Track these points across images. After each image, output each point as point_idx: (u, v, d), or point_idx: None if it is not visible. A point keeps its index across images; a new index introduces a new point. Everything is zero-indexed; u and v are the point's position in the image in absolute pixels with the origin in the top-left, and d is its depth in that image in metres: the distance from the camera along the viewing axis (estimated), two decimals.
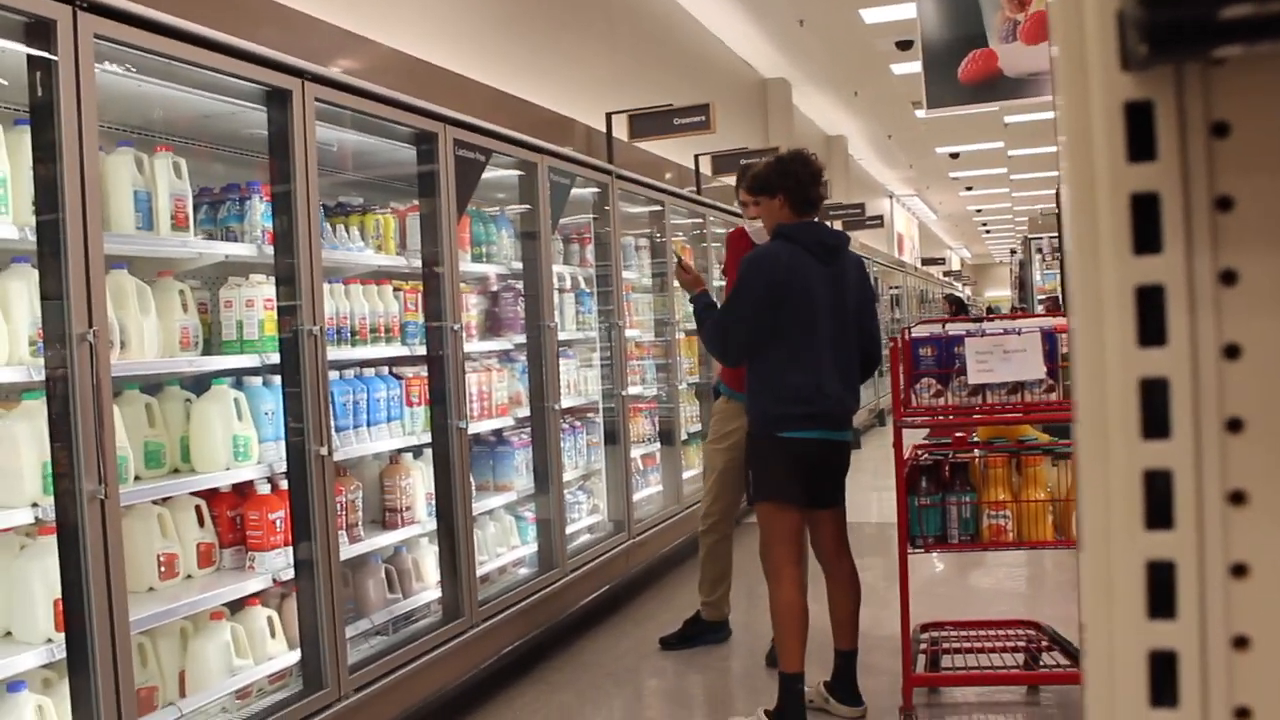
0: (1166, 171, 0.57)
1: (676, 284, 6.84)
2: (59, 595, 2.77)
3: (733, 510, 5.21)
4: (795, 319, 3.89)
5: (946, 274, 33.77)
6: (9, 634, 2.85)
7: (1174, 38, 0.49)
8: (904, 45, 12.36)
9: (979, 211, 32.74)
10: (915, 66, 7.19)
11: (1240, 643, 0.59)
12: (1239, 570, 0.59)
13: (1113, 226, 0.57)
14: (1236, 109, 0.57)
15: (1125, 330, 0.58)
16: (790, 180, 4.07)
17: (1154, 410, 0.58)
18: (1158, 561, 0.59)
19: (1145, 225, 0.57)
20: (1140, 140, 0.57)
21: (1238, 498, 0.59)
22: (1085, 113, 0.57)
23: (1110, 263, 0.58)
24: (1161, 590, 0.59)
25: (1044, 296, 15.88)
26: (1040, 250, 16.35)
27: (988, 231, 38.98)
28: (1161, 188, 0.57)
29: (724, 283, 5.48)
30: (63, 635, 2.77)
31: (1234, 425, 0.58)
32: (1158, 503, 0.59)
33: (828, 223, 6.00)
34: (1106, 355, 0.58)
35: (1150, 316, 0.58)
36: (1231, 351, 0.58)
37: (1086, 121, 0.57)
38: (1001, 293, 40.92)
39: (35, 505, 2.77)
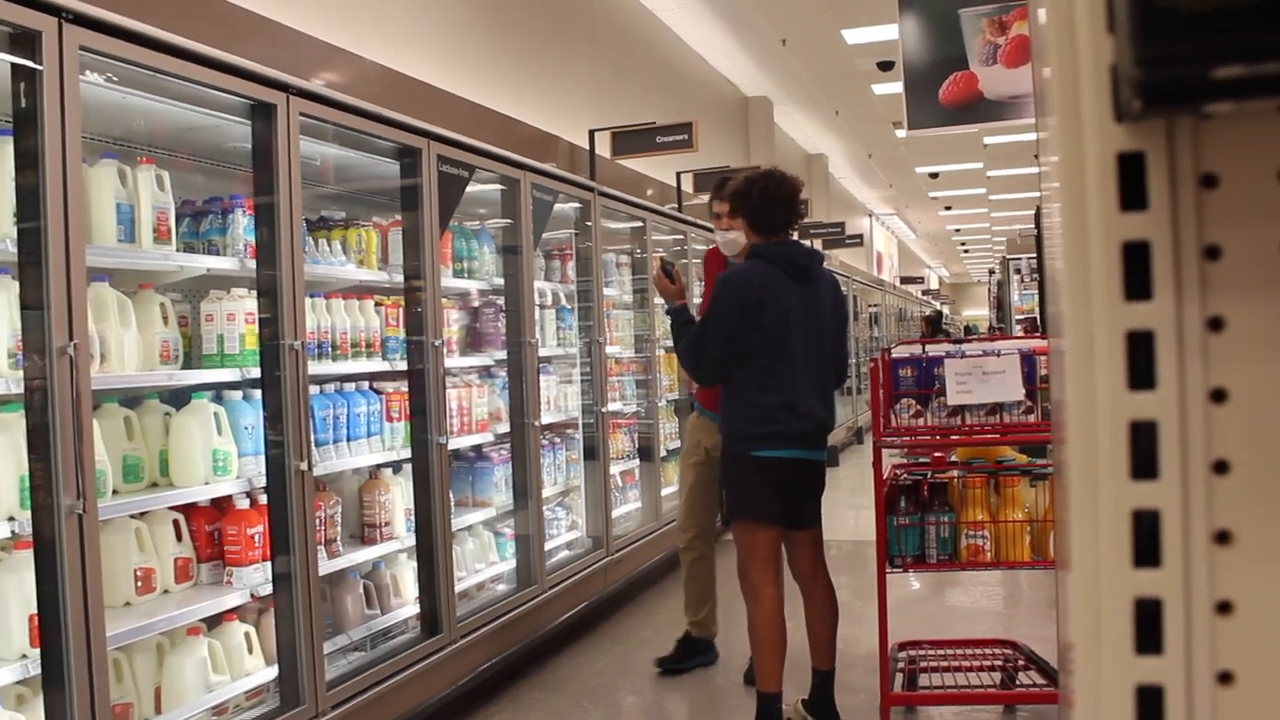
0: (1157, 221, 0.59)
1: (658, 297, 6.87)
2: (34, 610, 2.74)
3: (709, 527, 5.19)
4: (770, 338, 3.91)
5: (925, 293, 33.96)
6: None
7: (1167, 94, 0.51)
8: (885, 66, 12.45)
9: (958, 231, 32.95)
10: (896, 87, 7.24)
11: (1225, 678, 0.61)
12: (1224, 607, 0.60)
13: (1105, 273, 0.59)
14: (1225, 161, 0.58)
15: (1116, 374, 0.60)
16: (747, 204, 4.09)
17: (1143, 451, 0.60)
18: (1145, 598, 0.61)
19: (1136, 272, 0.59)
20: (1132, 190, 0.59)
21: (1223, 537, 0.60)
22: (1079, 162, 0.59)
23: (1102, 308, 0.59)
24: (1149, 626, 0.61)
25: (1022, 317, 16.01)
26: (1019, 271, 16.48)
27: (966, 251, 39.23)
28: (1152, 236, 0.59)
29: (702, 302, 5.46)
30: (38, 651, 2.75)
31: (1220, 467, 0.60)
32: (1146, 541, 0.60)
33: (806, 241, 6.03)
34: (1097, 397, 0.60)
35: (1140, 361, 0.59)
36: (1218, 396, 0.59)
37: (1080, 170, 0.59)
38: (979, 312, 41.19)
39: (12, 519, 2.75)
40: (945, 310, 33.30)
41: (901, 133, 8.33)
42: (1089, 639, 0.62)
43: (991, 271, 23.33)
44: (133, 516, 3.31)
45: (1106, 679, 0.61)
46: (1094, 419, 0.60)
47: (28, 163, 2.72)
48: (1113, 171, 0.58)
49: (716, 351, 3.97)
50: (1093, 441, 0.60)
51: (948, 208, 27.02)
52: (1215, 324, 0.59)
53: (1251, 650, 0.60)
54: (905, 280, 29.64)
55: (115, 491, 3.21)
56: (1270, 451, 0.59)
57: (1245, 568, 0.60)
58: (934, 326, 20.96)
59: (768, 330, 3.90)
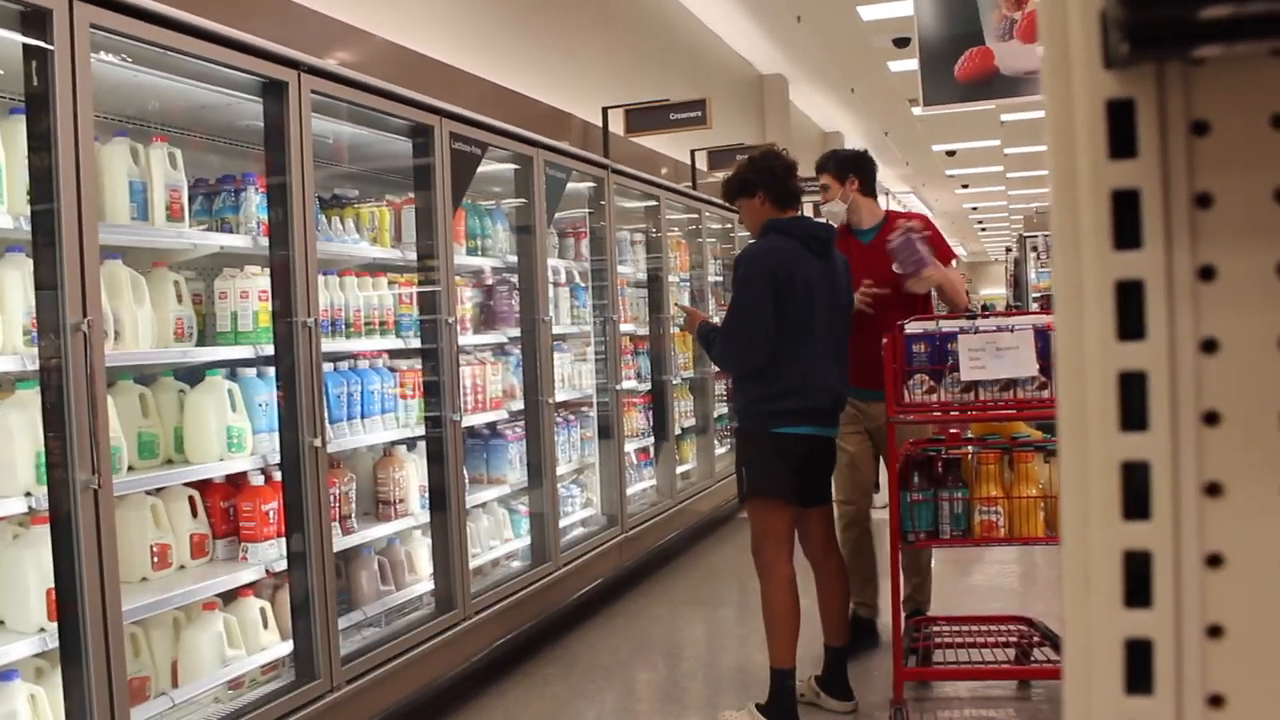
0: (1147, 168, 0.58)
1: (671, 274, 6.92)
2: (52, 585, 2.77)
3: (863, 504, 4.87)
4: (794, 313, 3.89)
5: None
6: (1, 623, 2.86)
7: (1154, 37, 0.50)
8: (901, 42, 12.36)
9: (975, 209, 32.76)
10: (912, 64, 7.19)
11: (1214, 631, 0.60)
12: (1214, 560, 0.60)
13: (1094, 222, 0.59)
14: (1217, 108, 0.58)
15: (1105, 324, 0.59)
16: (767, 175, 4.07)
17: (1132, 403, 0.59)
18: (1135, 551, 0.60)
19: (1126, 221, 0.58)
20: (1122, 137, 0.58)
21: (1214, 489, 0.60)
22: (1068, 110, 0.58)
23: (1091, 257, 0.59)
24: (1138, 579, 0.61)
25: (1039, 294, 15.93)
26: (1035, 248, 16.40)
27: (983, 229, 39.01)
28: (1142, 184, 0.58)
29: None
30: (55, 625, 2.77)
31: (1211, 418, 0.59)
32: (1135, 494, 0.60)
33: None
34: (1086, 348, 0.59)
35: (1130, 311, 0.59)
36: (1209, 346, 0.59)
37: (1070, 119, 0.58)
38: (997, 291, 40.98)
39: (28, 494, 2.78)
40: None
41: (918, 110, 8.28)
42: (1078, 592, 0.61)
43: (1008, 249, 23.19)
44: (148, 493, 3.34)
45: (1096, 632, 0.61)
46: (1083, 370, 0.59)
47: (41, 141, 2.73)
48: (1102, 119, 0.58)
49: (763, 328, 3.88)
50: (1082, 393, 0.60)
51: (964, 186, 26.86)
52: (1206, 273, 0.58)
53: (1241, 603, 0.60)
54: None
55: (131, 468, 3.23)
56: (1261, 402, 0.59)
57: (1235, 520, 0.59)
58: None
59: (792, 306, 3.88)
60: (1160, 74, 0.58)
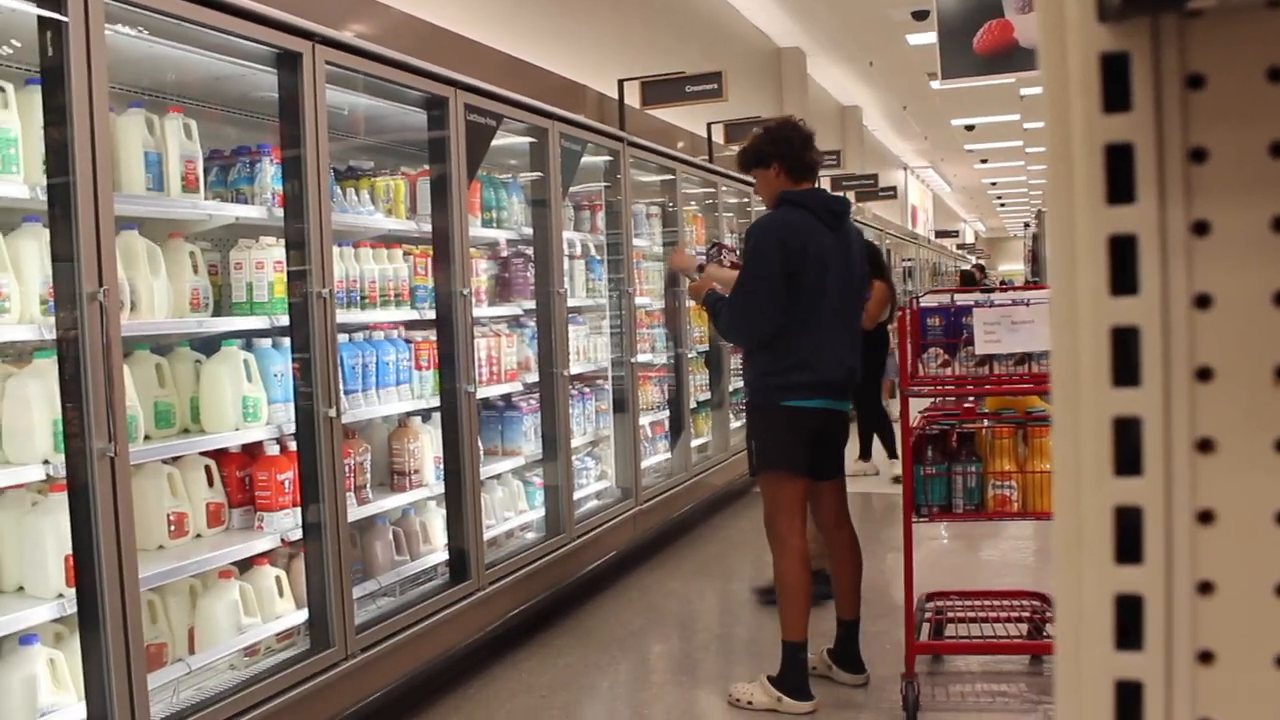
0: (1141, 122, 0.58)
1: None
2: (70, 551, 2.80)
3: None
4: (805, 286, 3.88)
5: (960, 247, 33.62)
6: (21, 589, 2.89)
7: None
8: (920, 15, 12.25)
9: (994, 185, 32.55)
10: (931, 37, 7.13)
11: (1205, 588, 0.61)
12: (1205, 517, 0.60)
13: (1087, 176, 0.58)
14: (1212, 61, 0.57)
15: (1098, 279, 0.59)
16: (783, 146, 4.05)
17: (1125, 358, 0.59)
18: (1126, 507, 0.60)
19: (1119, 175, 0.58)
20: (1115, 91, 0.58)
21: (1205, 445, 0.60)
22: (1062, 64, 0.58)
23: (1084, 212, 0.58)
24: (1129, 535, 0.60)
25: None
26: None
27: (1002, 205, 38.78)
28: (1136, 138, 0.58)
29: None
30: (74, 590, 2.81)
31: (1203, 374, 0.59)
32: (1127, 449, 0.60)
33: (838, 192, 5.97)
34: (1079, 303, 0.59)
35: (1123, 266, 0.59)
36: (1202, 301, 0.59)
37: (1063, 72, 0.58)
38: (1015, 266, 40.76)
39: (46, 462, 2.81)
40: (984, 264, 32.85)
41: (936, 84, 8.22)
42: (1069, 548, 0.61)
43: (1027, 225, 23.05)
44: (165, 462, 3.37)
45: (1086, 588, 0.61)
46: (1075, 325, 0.59)
47: (56, 113, 2.74)
48: (1095, 73, 0.57)
49: (771, 300, 3.86)
50: (1074, 348, 0.59)
51: (984, 161, 26.69)
52: (1200, 228, 0.58)
53: (1232, 560, 0.60)
54: (940, 234, 29.36)
55: (147, 437, 3.26)
56: (1254, 358, 0.58)
57: (1227, 476, 0.59)
58: (967, 280, 20.62)
59: (804, 278, 3.87)
60: (1155, 27, 0.57)
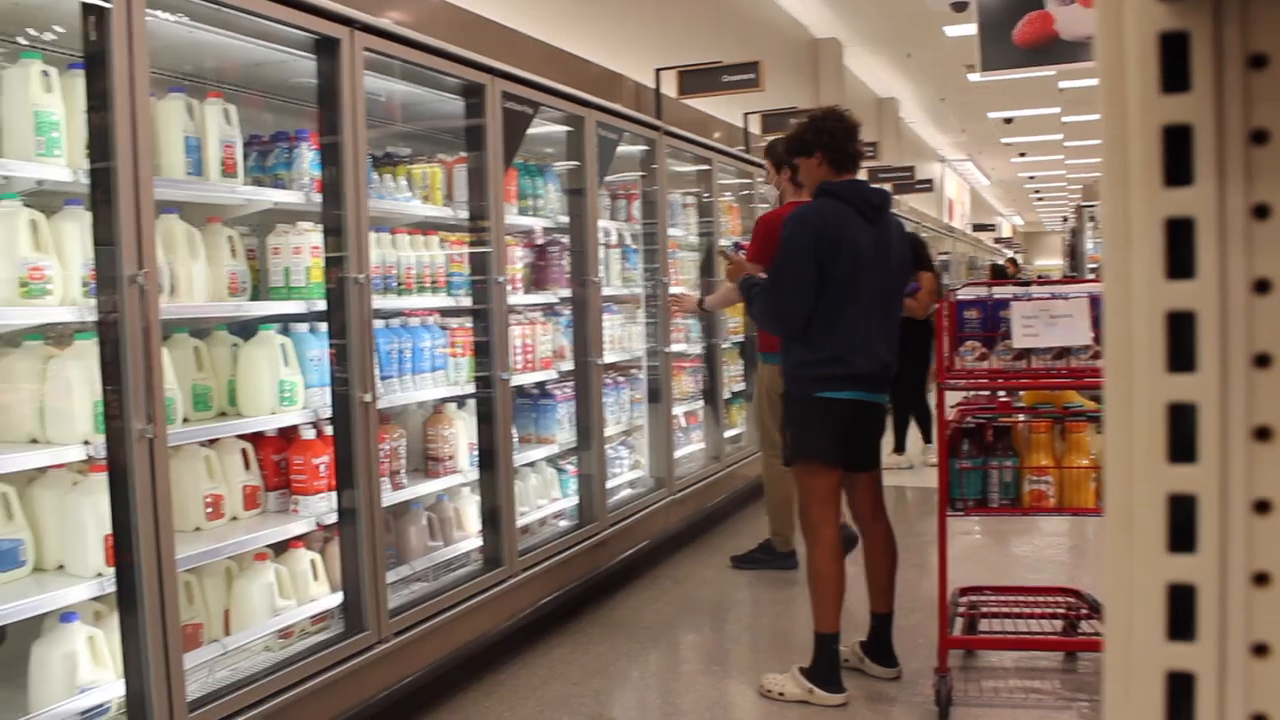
0: (1200, 103, 0.56)
1: (721, 239, 6.95)
2: (109, 531, 2.84)
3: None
4: (839, 278, 3.85)
5: (997, 240, 33.33)
6: (61, 567, 2.93)
7: None
8: (959, 6, 12.13)
9: (1031, 178, 32.24)
10: (969, 28, 7.06)
11: (1261, 579, 0.59)
12: (1262, 506, 0.59)
13: (1144, 158, 0.57)
14: (1276, 40, 0.56)
15: (1153, 262, 0.58)
16: (826, 137, 4.02)
17: (1180, 343, 0.58)
18: (1180, 495, 0.59)
19: (1177, 157, 0.57)
20: (1174, 71, 0.57)
21: (1263, 434, 0.58)
22: (1119, 43, 0.57)
23: (1140, 194, 0.57)
24: (1182, 524, 0.59)
25: (1096, 265, 15.67)
26: (1094, 218, 16.12)
27: (1040, 199, 38.41)
28: (1195, 119, 0.57)
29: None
30: (113, 570, 2.84)
31: (1262, 360, 0.58)
32: (1181, 436, 0.59)
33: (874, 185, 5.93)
34: (1134, 287, 0.58)
35: (1179, 249, 0.58)
36: (1262, 286, 0.57)
37: (1120, 52, 0.57)
38: (1053, 261, 40.40)
39: (87, 443, 2.84)
40: (1018, 258, 32.53)
41: (975, 76, 8.13)
42: (1121, 536, 0.60)
43: (1065, 219, 22.82)
44: (202, 444, 3.40)
45: (1138, 577, 0.60)
46: (1130, 309, 0.58)
47: (99, 98, 2.77)
48: (1154, 51, 0.56)
49: (801, 291, 3.85)
50: (1128, 332, 0.58)
51: (1022, 154, 26.43)
52: (1261, 211, 0.57)
53: None
54: (977, 228, 29.13)
55: (185, 420, 3.29)
56: None
57: None
58: (998, 274, 20.37)
59: (839, 270, 3.84)
60: (1216, 5, 0.56)
